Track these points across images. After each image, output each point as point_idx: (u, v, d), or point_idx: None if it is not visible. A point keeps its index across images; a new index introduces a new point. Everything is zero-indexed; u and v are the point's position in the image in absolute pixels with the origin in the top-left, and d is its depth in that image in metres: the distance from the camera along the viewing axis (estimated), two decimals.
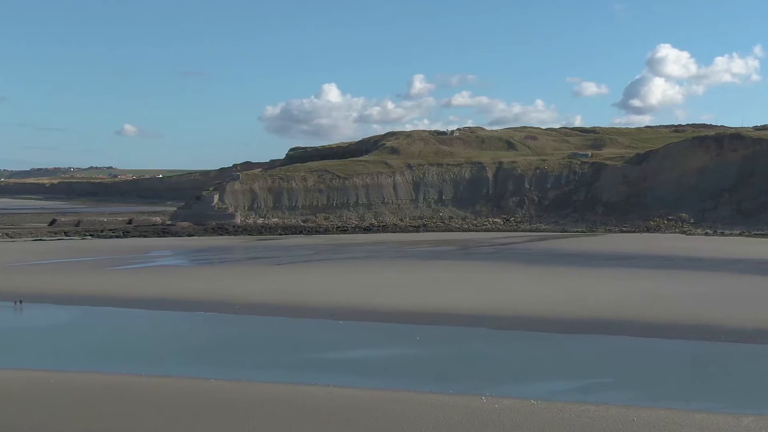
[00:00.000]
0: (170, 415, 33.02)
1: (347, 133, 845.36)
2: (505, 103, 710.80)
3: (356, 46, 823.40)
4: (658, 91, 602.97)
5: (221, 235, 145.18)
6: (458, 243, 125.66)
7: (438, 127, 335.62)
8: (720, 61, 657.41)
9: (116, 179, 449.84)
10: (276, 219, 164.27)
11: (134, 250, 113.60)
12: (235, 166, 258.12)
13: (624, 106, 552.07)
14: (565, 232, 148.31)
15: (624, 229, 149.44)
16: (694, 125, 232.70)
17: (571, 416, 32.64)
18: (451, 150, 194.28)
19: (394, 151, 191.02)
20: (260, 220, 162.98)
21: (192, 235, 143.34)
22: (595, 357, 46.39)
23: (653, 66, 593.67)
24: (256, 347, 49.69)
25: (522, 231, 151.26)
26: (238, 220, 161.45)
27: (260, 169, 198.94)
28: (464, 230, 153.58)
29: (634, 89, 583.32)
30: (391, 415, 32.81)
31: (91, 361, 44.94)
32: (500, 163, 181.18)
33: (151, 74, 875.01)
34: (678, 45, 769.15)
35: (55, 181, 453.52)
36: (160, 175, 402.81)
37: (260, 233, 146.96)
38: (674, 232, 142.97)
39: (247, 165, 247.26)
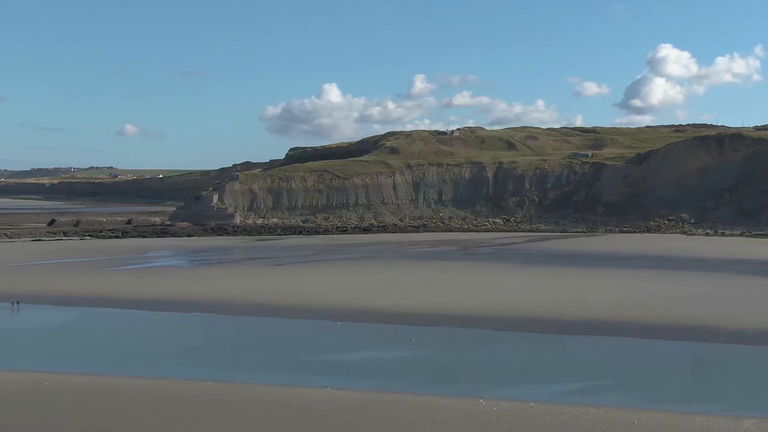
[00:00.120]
0: (167, 417, 32.87)
1: (348, 133, 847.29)
2: (506, 103, 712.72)
3: (357, 46, 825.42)
4: (658, 91, 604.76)
5: (220, 235, 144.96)
6: (458, 243, 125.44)
7: (439, 127, 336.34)
8: (721, 61, 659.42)
9: (116, 179, 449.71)
10: (275, 219, 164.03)
11: (133, 250, 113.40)
12: (235, 166, 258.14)
13: (625, 106, 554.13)
14: (565, 232, 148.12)
15: (624, 229, 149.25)
16: (694, 125, 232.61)
17: (570, 419, 32.43)
18: (451, 150, 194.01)
19: (393, 151, 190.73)
20: (260, 221, 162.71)
21: (191, 236, 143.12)
22: (595, 358, 46.16)
23: (654, 66, 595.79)
24: (254, 348, 49.51)
25: (522, 231, 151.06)
26: (237, 220, 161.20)
27: (260, 170, 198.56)
28: (464, 230, 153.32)
29: (634, 89, 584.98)
30: (388, 418, 32.60)
31: (88, 362, 44.83)
32: (500, 163, 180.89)
33: (152, 74, 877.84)
34: (679, 45, 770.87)
35: (55, 181, 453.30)
36: (160, 175, 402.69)
37: (259, 233, 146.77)
38: (675, 233, 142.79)
39: (247, 165, 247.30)
